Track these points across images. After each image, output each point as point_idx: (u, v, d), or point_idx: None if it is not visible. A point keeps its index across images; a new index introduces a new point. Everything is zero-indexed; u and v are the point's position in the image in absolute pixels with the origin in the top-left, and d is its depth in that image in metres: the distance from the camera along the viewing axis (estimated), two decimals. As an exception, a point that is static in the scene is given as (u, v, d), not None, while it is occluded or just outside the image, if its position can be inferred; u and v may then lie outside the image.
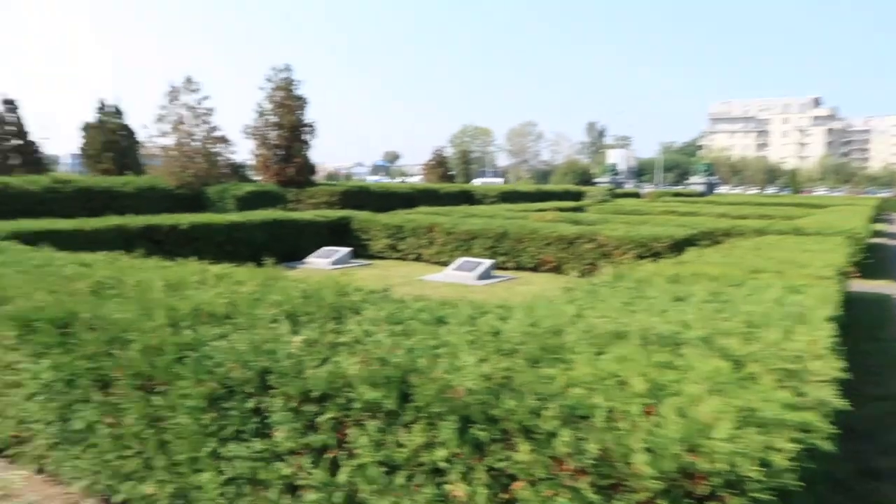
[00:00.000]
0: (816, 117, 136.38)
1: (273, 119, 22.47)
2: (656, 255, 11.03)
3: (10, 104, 27.25)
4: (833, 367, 2.62)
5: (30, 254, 6.07)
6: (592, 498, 2.05)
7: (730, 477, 1.89)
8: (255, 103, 22.81)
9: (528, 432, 2.15)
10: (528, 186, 40.80)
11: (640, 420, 2.05)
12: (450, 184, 36.91)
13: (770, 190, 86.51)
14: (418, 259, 14.78)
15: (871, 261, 12.94)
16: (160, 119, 20.24)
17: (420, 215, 16.04)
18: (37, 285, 4.31)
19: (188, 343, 3.15)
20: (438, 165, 45.41)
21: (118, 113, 27.66)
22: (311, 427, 2.65)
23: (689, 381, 2.30)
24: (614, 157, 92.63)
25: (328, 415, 2.57)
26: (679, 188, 57.38)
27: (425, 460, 2.37)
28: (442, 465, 2.33)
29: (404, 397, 2.44)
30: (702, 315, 3.47)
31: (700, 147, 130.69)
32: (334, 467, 2.60)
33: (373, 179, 79.18)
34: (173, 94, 20.16)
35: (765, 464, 1.92)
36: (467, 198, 28.23)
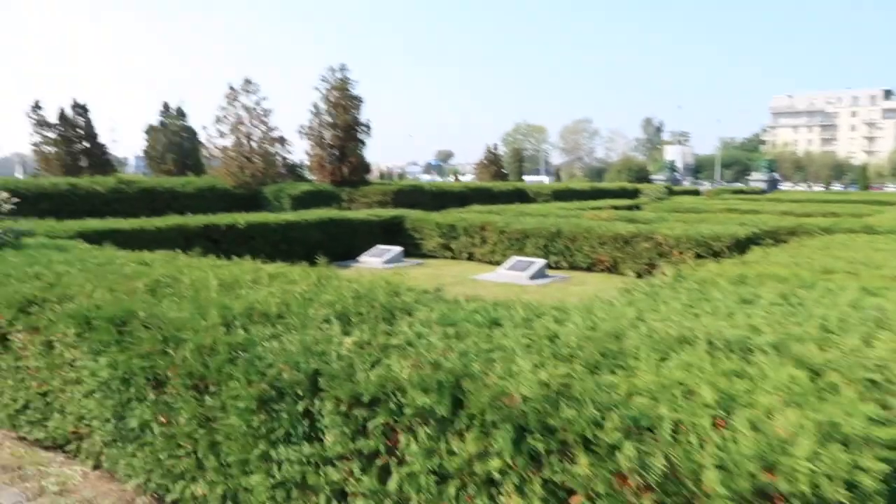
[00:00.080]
0: (887, 110, 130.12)
1: (328, 119, 22.73)
2: (717, 255, 10.64)
3: (81, 108, 28.38)
4: (924, 378, 2.41)
5: (93, 252, 6.23)
6: (658, 516, 1.92)
7: (812, 500, 1.73)
8: (310, 103, 23.17)
9: (587, 444, 2.03)
10: (582, 184, 40.19)
11: (710, 434, 1.90)
12: (503, 182, 36.69)
13: (836, 186, 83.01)
14: (471, 258, 14.69)
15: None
16: (219, 120, 20.73)
17: (472, 214, 15.94)
18: (97, 283, 4.39)
19: (240, 343, 3.14)
20: (491, 164, 45.19)
21: (181, 115, 28.48)
22: (362, 432, 2.58)
23: (762, 391, 2.13)
24: (671, 153, 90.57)
25: (379, 420, 2.50)
26: (739, 185, 55.63)
27: (478, 470, 2.27)
28: (496, 475, 2.22)
29: (457, 403, 2.34)
30: (772, 319, 3.27)
31: (762, 142, 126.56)
32: (384, 474, 2.53)
33: (426, 178, 79.45)
34: (232, 96, 20.62)
35: (851, 486, 1.75)
36: (520, 196, 27.97)
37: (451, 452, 2.33)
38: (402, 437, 2.47)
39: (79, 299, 4.06)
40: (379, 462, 2.54)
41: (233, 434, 3.01)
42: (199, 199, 17.76)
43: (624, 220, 14.72)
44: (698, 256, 11.03)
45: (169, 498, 3.41)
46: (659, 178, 48.76)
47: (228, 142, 20.61)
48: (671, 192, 34.05)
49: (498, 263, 13.63)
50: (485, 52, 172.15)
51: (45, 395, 4.15)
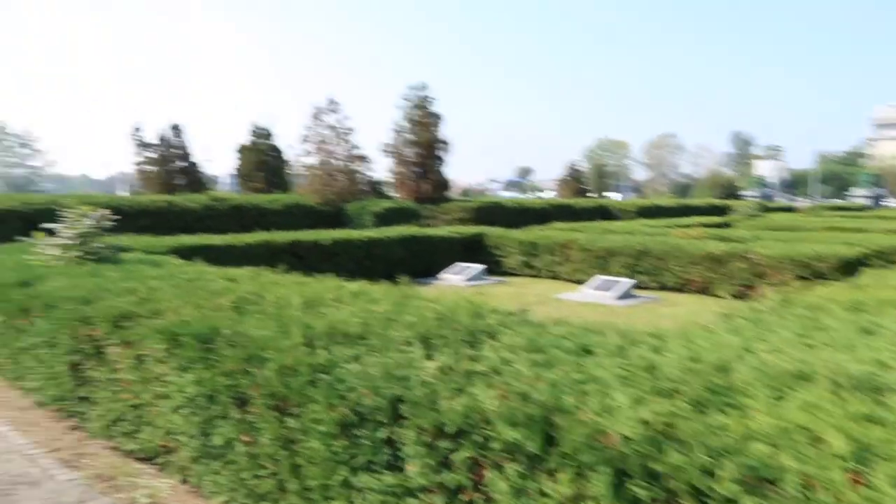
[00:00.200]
0: None
1: (410, 137, 22.98)
2: (820, 277, 9.95)
3: (177, 129, 29.90)
4: None
5: (184, 268, 6.42)
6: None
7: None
8: (392, 121, 23.50)
9: (699, 495, 1.81)
10: (669, 201, 38.98)
11: (846, 491, 1.66)
12: (585, 199, 36.06)
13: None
14: (553, 276, 14.38)
15: None
16: (305, 139, 21.32)
17: (555, 231, 15.66)
18: (186, 299, 4.48)
19: (322, 364, 3.08)
20: (573, 180, 44.58)
21: (268, 134, 29.51)
22: (446, 464, 2.44)
23: (903, 440, 1.86)
24: (763, 168, 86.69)
25: (464, 453, 2.36)
26: (839, 201, 52.50)
27: (572, 514, 2.09)
28: (592, 521, 2.04)
29: (548, 440, 2.17)
30: (901, 353, 2.92)
31: (863, 156, 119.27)
32: (469, 511, 2.38)
33: (506, 195, 79.20)
34: (317, 115, 21.18)
35: None
36: (603, 213, 27.34)
37: (542, 494, 2.15)
38: (488, 473, 2.31)
39: (168, 315, 4.13)
40: (464, 498, 2.39)
41: (314, 458, 2.94)
42: (285, 216, 18.27)
43: (715, 238, 14.07)
44: (799, 278, 10.35)
45: (251, 518, 3.38)
46: (750, 194, 46.71)
47: (313, 160, 21.15)
48: (765, 209, 32.49)
49: (581, 282, 13.27)
50: (566, 66, 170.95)
51: (136, 407, 4.23)
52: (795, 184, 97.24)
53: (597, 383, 2.46)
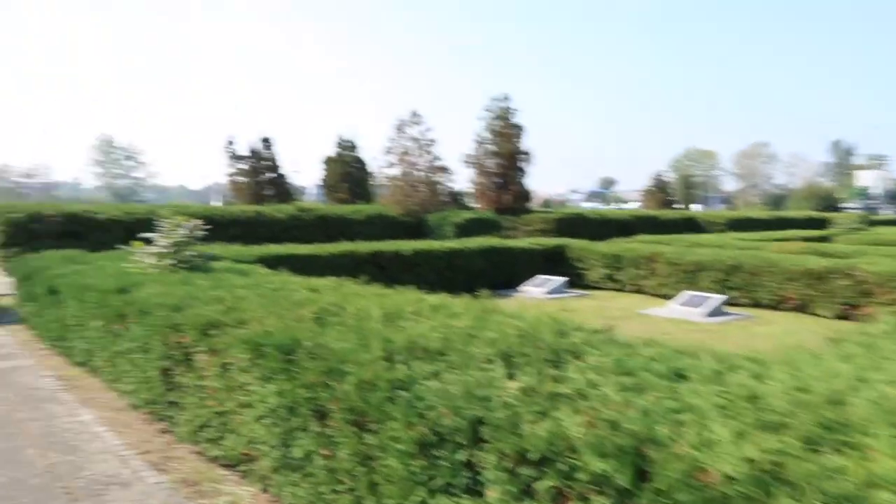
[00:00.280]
0: None
1: (491, 148, 22.95)
2: (936, 296, 9.17)
3: (267, 142, 31.05)
4: None
5: (270, 277, 6.56)
6: None
7: None
8: (473, 133, 23.53)
9: (814, 547, 1.62)
10: (761, 213, 37.21)
11: None
12: (671, 210, 34.93)
13: None
14: (638, 291, 13.94)
15: None
16: (388, 151, 21.64)
17: (640, 244, 15.19)
18: (270, 309, 4.54)
19: (401, 380, 3.02)
20: (658, 191, 43.34)
21: (353, 146, 30.19)
22: (528, 493, 2.32)
23: None
24: (866, 178, 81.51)
25: (547, 482, 2.23)
26: (954, 214, 48.63)
27: (666, 557, 1.93)
28: (689, 566, 1.87)
29: (640, 474, 2.02)
30: None
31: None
32: (553, 544, 2.25)
33: (588, 206, 77.90)
34: (400, 127, 21.47)
35: None
36: (691, 225, 26.38)
37: (633, 532, 2.00)
38: (573, 505, 2.18)
39: (252, 325, 4.20)
40: (547, 529, 2.26)
41: (392, 476, 2.87)
42: (368, 226, 18.56)
43: (814, 253, 13.26)
44: (911, 297, 9.58)
45: (328, 533, 3.35)
46: (852, 206, 43.97)
47: (396, 171, 21.44)
48: (869, 222, 30.48)
49: (667, 297, 12.80)
50: (653, 75, 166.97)
51: (221, 414, 4.32)
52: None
53: (693, 413, 2.28)
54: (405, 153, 21.38)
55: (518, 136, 22.96)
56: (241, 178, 29.45)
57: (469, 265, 14.00)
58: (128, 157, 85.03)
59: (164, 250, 7.29)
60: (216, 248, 10.39)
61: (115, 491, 4.11)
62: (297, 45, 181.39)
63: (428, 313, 4.31)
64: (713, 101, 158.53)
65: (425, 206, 20.44)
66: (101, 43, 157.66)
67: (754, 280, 12.01)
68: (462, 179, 39.44)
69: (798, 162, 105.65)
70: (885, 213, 52.11)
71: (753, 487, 1.77)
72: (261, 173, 29.81)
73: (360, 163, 29.43)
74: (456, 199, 23.09)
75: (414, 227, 19.52)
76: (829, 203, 50.76)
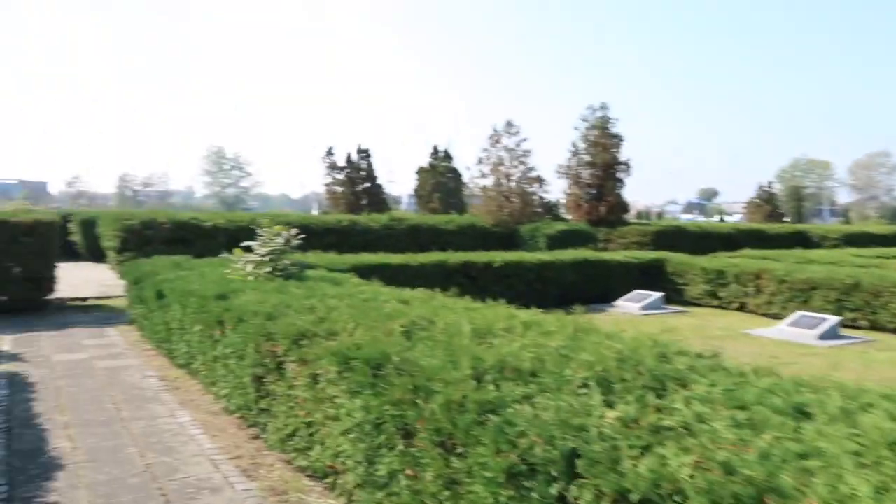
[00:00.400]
0: None
1: (587, 158, 22.46)
2: None
3: (364, 153, 31.83)
4: None
5: (361, 287, 6.58)
6: None
7: None
8: (569, 142, 23.12)
9: None
10: (882, 227, 34.52)
11: None
12: (779, 224, 33.01)
13: None
14: (741, 309, 13.17)
15: None
16: (481, 161, 21.60)
17: (745, 259, 14.36)
18: (360, 320, 4.51)
19: (490, 402, 2.87)
20: (764, 203, 41.14)
21: (448, 157, 30.44)
22: (627, 537, 2.11)
23: None
24: None
25: (650, 528, 2.02)
26: None
27: None
28: None
29: (761, 529, 1.77)
30: None
31: None
32: None
33: (686, 218, 75.03)
34: (495, 138, 21.38)
35: None
36: (800, 240, 24.76)
37: None
38: (680, 557, 1.95)
39: (342, 336, 4.17)
40: (648, 580, 2.04)
41: (478, 504, 2.72)
42: (459, 236, 18.54)
43: (946, 273, 12.06)
44: None
45: (411, 557, 3.23)
46: None
47: (489, 181, 21.35)
48: None
49: (775, 317, 12.01)
50: (757, 82, 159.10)
51: (309, 425, 4.31)
52: None
53: (822, 459, 2.00)
54: (499, 163, 21.26)
55: (616, 146, 22.37)
56: (337, 188, 30.34)
57: (561, 278, 13.68)
58: (236, 167, 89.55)
59: (262, 258, 7.47)
60: (311, 257, 10.63)
61: (205, 496, 4.18)
62: (396, 55, 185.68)
63: (519, 331, 4.15)
64: (827, 108, 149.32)
65: (518, 216, 20.22)
66: (211, 50, 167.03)
67: (875, 301, 11.04)
68: (556, 190, 38.90)
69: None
70: None
71: (905, 559, 1.50)
72: (357, 183, 30.60)
73: (453, 173, 29.62)
74: (549, 209, 22.72)
75: (506, 237, 19.33)
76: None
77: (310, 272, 7.91)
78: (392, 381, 3.38)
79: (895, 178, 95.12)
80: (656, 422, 2.48)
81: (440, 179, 29.50)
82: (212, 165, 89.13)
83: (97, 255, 18.49)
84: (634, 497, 2.07)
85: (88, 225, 20.01)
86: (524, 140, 21.33)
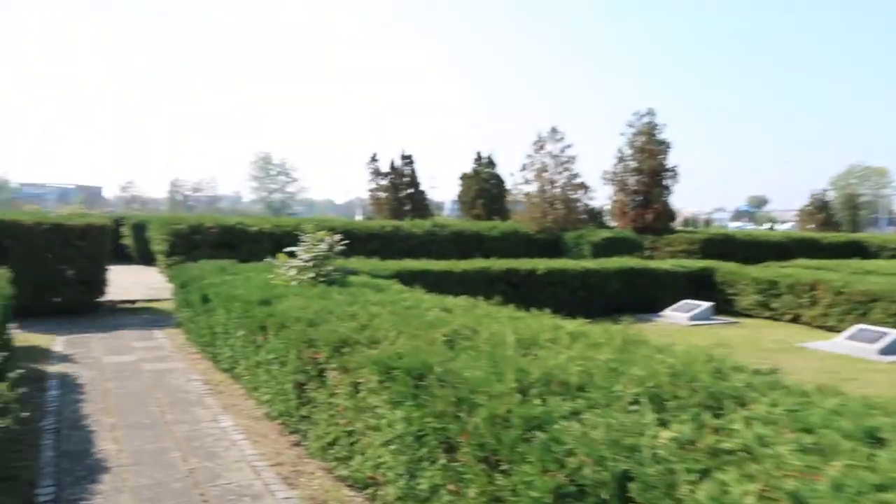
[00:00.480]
0: None
1: (632, 164, 22.06)
2: None
3: (408, 158, 31.93)
4: None
5: (404, 294, 6.51)
6: None
7: None
8: (615, 149, 22.76)
9: None
10: (944, 237, 32.96)
11: None
12: (833, 233, 31.88)
13: None
14: (795, 320, 12.70)
15: None
16: (525, 167, 21.40)
17: (799, 269, 13.86)
18: (402, 329, 4.43)
19: (536, 417, 2.75)
20: (817, 211, 39.79)
21: (491, 163, 30.30)
22: (685, 569, 1.97)
23: None
24: None
25: (711, 561, 1.88)
26: None
27: None
28: None
29: (836, 569, 1.62)
30: None
31: None
32: None
33: (734, 226, 73.18)
34: (539, 144, 21.17)
35: None
36: (857, 250, 23.83)
37: None
38: None
39: (383, 345, 4.10)
40: None
41: (523, 525, 2.61)
42: (502, 243, 18.38)
43: None
44: None
45: (452, 576, 3.13)
46: None
47: (533, 188, 21.14)
48: None
49: (831, 329, 11.54)
50: (810, 86, 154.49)
51: (350, 434, 4.25)
52: None
53: (901, 492, 1.83)
54: (543, 170, 21.04)
55: (663, 152, 21.91)
56: (381, 194, 30.49)
57: (606, 286, 13.42)
58: (281, 173, 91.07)
59: (306, 264, 7.49)
60: (354, 263, 10.63)
61: (246, 503, 4.15)
62: (439, 61, 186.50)
63: (566, 342, 4.01)
64: (884, 113, 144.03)
65: (562, 223, 19.96)
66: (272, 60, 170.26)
67: (941, 315, 10.51)
68: (601, 197, 38.40)
69: None
70: None
71: None
72: (400, 189, 30.71)
73: (496, 179, 29.47)
74: (594, 217, 22.38)
75: (549, 244, 19.10)
76: None
77: (352, 278, 7.90)
78: (434, 392, 3.29)
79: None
80: (714, 444, 2.33)
81: (483, 186, 29.36)
82: (259, 171, 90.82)
83: (147, 259, 18.92)
84: (693, 527, 1.93)
85: (139, 229, 20.53)
86: (569, 146, 21.07)
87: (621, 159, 22.37)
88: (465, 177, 29.98)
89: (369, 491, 4.07)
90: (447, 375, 3.39)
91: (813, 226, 37.80)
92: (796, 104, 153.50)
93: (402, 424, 3.47)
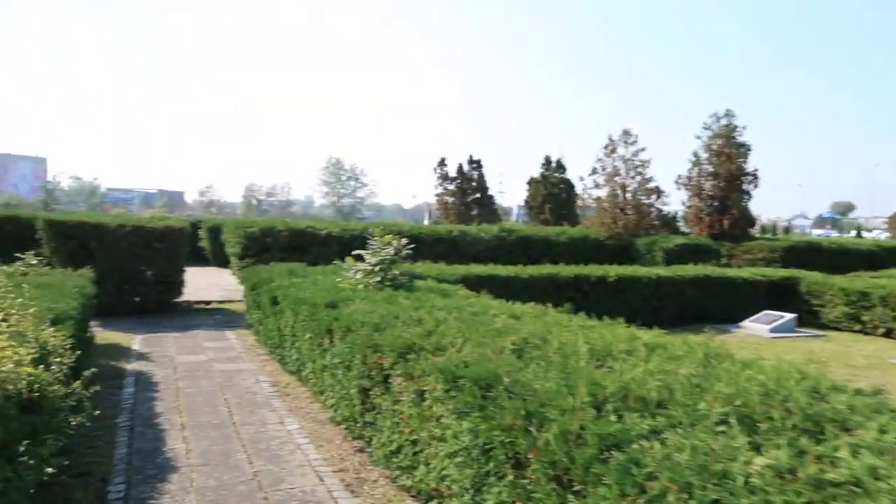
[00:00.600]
0: None
1: (709, 168, 21.26)
2: None
3: (475, 163, 31.88)
4: None
5: (470, 300, 6.37)
6: None
7: None
8: (689, 152, 21.98)
9: None
10: None
11: None
12: (929, 241, 29.84)
13: None
14: (888, 335, 11.87)
15: None
16: (595, 171, 20.93)
17: (894, 280, 12.95)
18: (468, 335, 4.29)
19: (612, 435, 2.56)
20: (911, 218, 37.40)
21: (560, 168, 29.88)
22: None
23: None
24: None
25: None
26: None
27: None
28: None
29: None
30: None
31: None
32: None
33: (817, 233, 69.80)
34: (610, 147, 20.68)
35: None
36: (957, 259, 22.20)
37: None
38: None
39: (450, 353, 3.97)
40: None
41: (597, 552, 2.41)
42: (571, 249, 18.01)
43: None
44: None
45: None
46: None
47: (603, 192, 20.66)
48: None
49: (931, 346, 10.70)
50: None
51: (414, 443, 4.14)
52: None
53: None
54: (614, 174, 20.53)
55: (742, 155, 21.01)
56: (448, 198, 30.55)
57: (679, 295, 12.90)
58: (351, 178, 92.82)
59: (373, 268, 7.45)
60: (421, 267, 10.58)
61: (309, 510, 4.09)
62: (508, 63, 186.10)
63: (642, 354, 3.78)
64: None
65: (633, 229, 19.41)
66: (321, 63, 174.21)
67: None
68: (674, 202, 37.31)
69: None
70: None
71: None
72: (468, 193, 30.69)
73: (565, 184, 29.05)
74: (667, 222, 21.67)
75: (620, 250, 18.59)
76: None
77: (419, 282, 7.81)
78: (502, 404, 3.13)
79: None
80: (818, 474, 2.08)
81: (552, 190, 28.97)
82: (330, 176, 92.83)
83: (222, 261, 19.49)
84: (798, 571, 1.70)
85: (215, 232, 21.17)
86: (642, 150, 20.49)
87: (697, 163, 21.60)
88: (532, 181, 29.68)
89: (433, 503, 3.94)
90: (516, 386, 3.23)
91: (905, 234, 35.59)
92: (882, 105, 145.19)
93: (469, 436, 3.32)
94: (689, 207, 21.88)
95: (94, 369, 4.24)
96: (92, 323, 9.19)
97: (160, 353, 8.71)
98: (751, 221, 21.97)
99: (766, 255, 19.33)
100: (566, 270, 12.48)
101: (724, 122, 21.23)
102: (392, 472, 4.51)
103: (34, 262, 9.25)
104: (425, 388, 3.89)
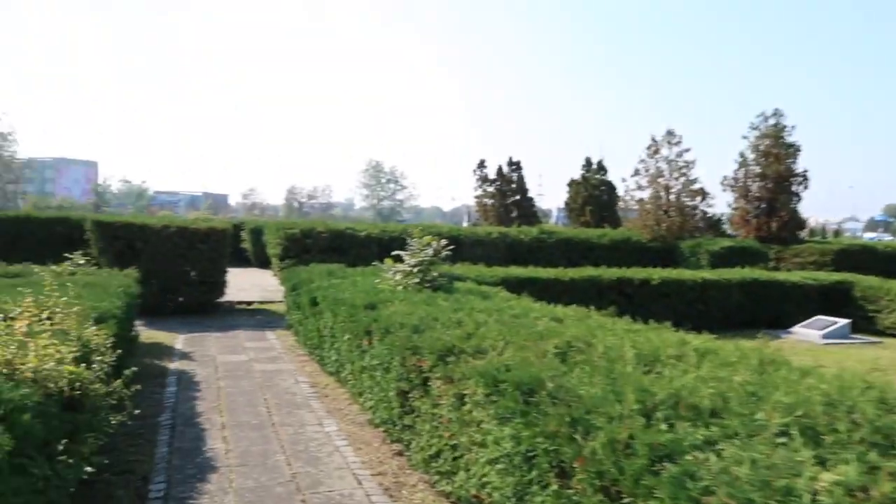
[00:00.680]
0: None
1: (756, 169, 20.65)
2: None
3: (515, 165, 31.65)
4: None
5: (510, 302, 6.25)
6: None
7: None
8: (736, 153, 21.40)
9: None
10: None
11: None
12: None
13: None
14: (950, 342, 11.31)
15: None
16: (637, 173, 20.55)
17: (954, 285, 12.37)
18: (509, 338, 4.18)
19: (664, 445, 2.42)
20: (971, 221, 35.83)
21: (601, 169, 29.44)
22: None
23: None
24: None
25: None
26: None
27: None
28: None
29: None
30: None
31: None
32: None
33: (869, 237, 67.51)
34: (653, 148, 20.27)
35: None
36: None
37: None
38: None
39: (490, 356, 3.86)
40: None
41: (648, 569, 2.28)
42: (612, 251, 17.70)
43: None
44: None
45: None
46: None
47: (646, 194, 20.26)
48: None
49: None
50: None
51: (454, 448, 4.04)
52: None
53: None
54: (658, 175, 20.11)
55: (791, 156, 20.34)
56: (488, 200, 30.38)
57: (726, 299, 12.53)
58: (391, 181, 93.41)
59: (412, 269, 7.39)
60: (460, 269, 10.49)
61: (347, 514, 4.03)
62: (550, 64, 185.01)
63: (693, 359, 3.61)
64: None
65: (677, 231, 18.98)
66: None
67: None
68: (720, 204, 36.48)
69: None
70: None
71: None
72: (507, 195, 30.48)
73: (606, 185, 28.62)
74: (712, 225, 21.13)
75: (663, 253, 18.18)
76: None
77: (458, 284, 7.72)
78: (546, 410, 3.01)
79: None
80: (893, 493, 1.92)
81: (592, 192, 28.56)
82: (370, 179, 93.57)
83: (263, 262, 19.71)
84: None
85: (257, 233, 21.43)
86: (686, 150, 20.03)
87: (743, 164, 21.00)
88: (573, 183, 29.30)
89: (474, 510, 3.84)
90: (560, 392, 3.11)
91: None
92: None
93: (511, 443, 3.21)
94: (735, 209, 21.29)
95: (135, 368, 4.26)
96: (137, 322, 9.35)
97: (202, 353, 8.79)
98: (800, 224, 21.28)
99: (817, 258, 18.67)
100: (609, 273, 12.24)
101: (772, 121, 20.60)
102: (431, 476, 4.43)
103: (82, 262, 9.44)
104: (465, 392, 3.79)
